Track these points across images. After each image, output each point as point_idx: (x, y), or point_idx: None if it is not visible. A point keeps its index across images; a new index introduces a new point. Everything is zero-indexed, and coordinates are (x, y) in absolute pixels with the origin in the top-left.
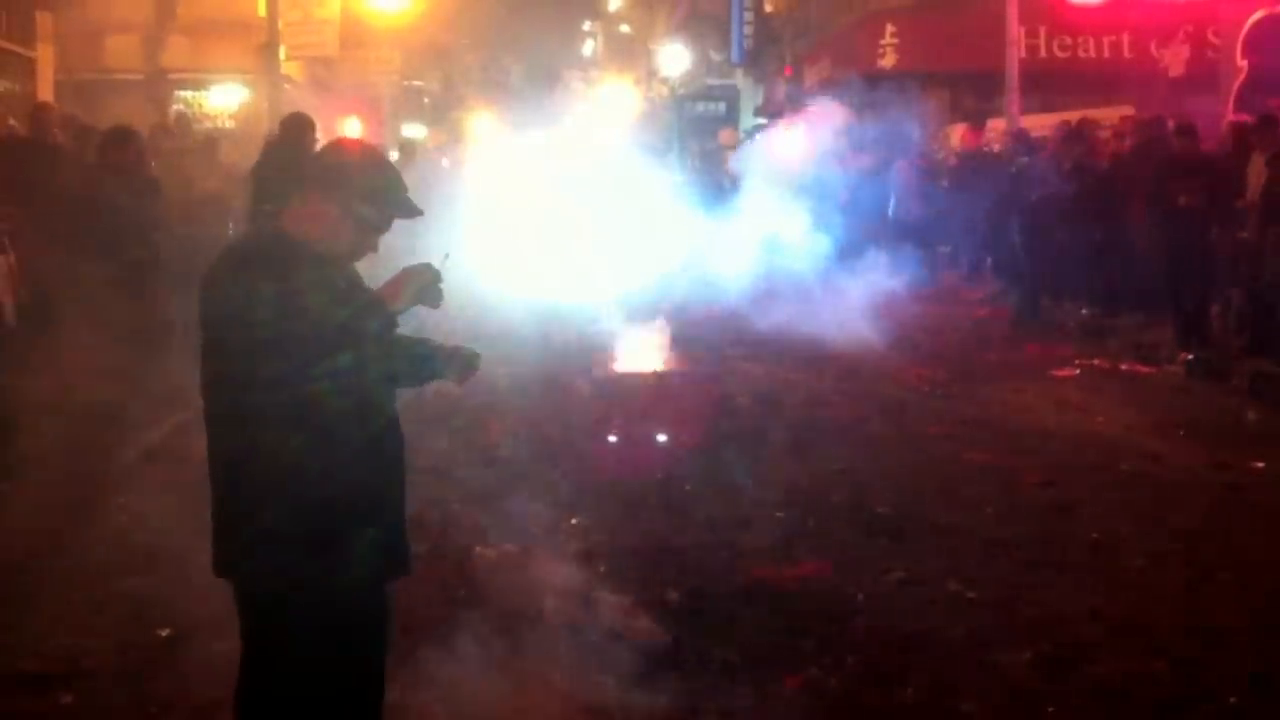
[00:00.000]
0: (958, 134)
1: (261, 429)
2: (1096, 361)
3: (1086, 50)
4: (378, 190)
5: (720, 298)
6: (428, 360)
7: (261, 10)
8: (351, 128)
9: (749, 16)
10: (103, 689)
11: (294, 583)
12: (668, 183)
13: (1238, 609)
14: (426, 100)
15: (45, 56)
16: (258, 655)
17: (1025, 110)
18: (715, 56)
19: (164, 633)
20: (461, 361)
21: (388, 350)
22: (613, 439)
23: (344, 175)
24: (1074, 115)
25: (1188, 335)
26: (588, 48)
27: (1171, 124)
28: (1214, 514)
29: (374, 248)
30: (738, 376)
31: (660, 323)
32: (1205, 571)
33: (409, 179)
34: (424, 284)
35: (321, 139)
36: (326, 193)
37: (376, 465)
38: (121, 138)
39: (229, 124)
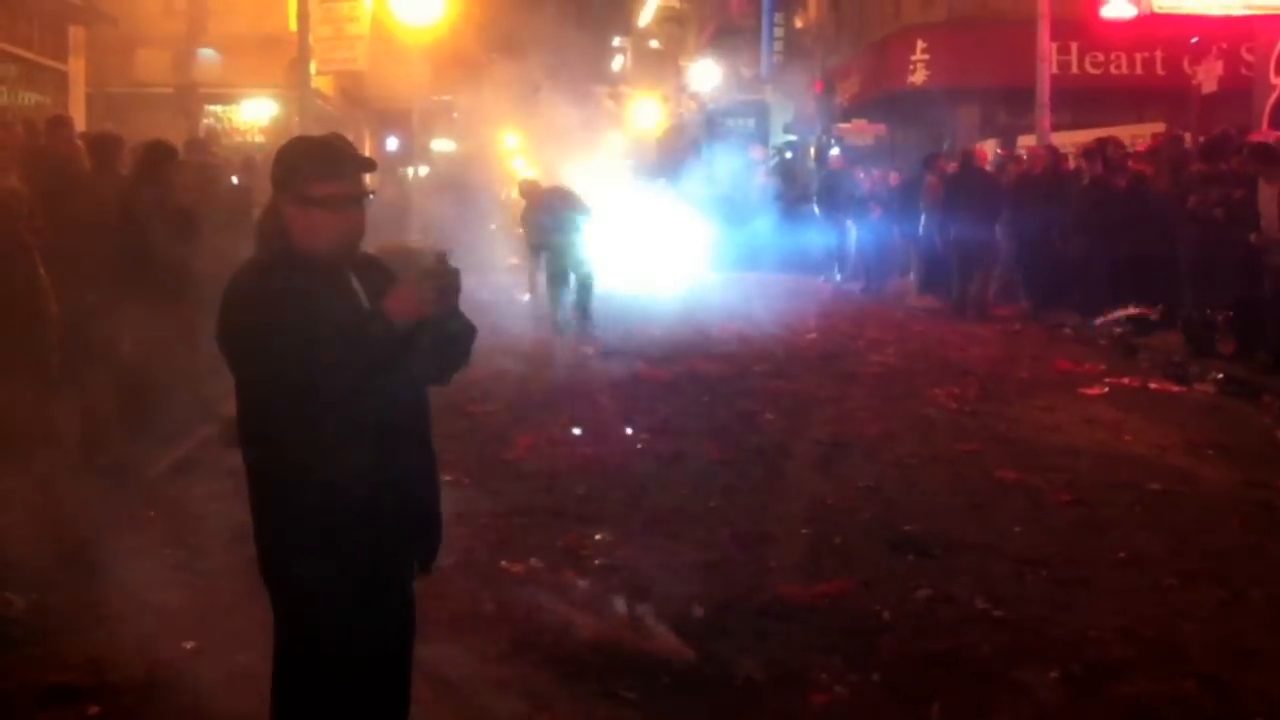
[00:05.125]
0: (988, 151)
1: (285, 442)
2: (1127, 380)
3: (1119, 66)
4: (302, 165)
5: (746, 314)
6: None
7: (292, 25)
8: (389, 144)
9: (779, 32)
10: (129, 701)
11: (320, 589)
12: (693, 198)
13: (1269, 629)
14: (456, 115)
15: (77, 70)
16: (289, 661)
17: (1056, 127)
18: (745, 72)
19: (189, 645)
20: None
21: (414, 360)
22: (639, 454)
23: (278, 171)
24: (1104, 132)
25: (1213, 350)
26: (617, 63)
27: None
28: (1245, 533)
29: (359, 225)
30: (764, 392)
31: (689, 338)
32: (1236, 591)
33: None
34: (423, 294)
35: None
36: (280, 194)
37: (394, 465)
38: (164, 155)
39: (259, 138)
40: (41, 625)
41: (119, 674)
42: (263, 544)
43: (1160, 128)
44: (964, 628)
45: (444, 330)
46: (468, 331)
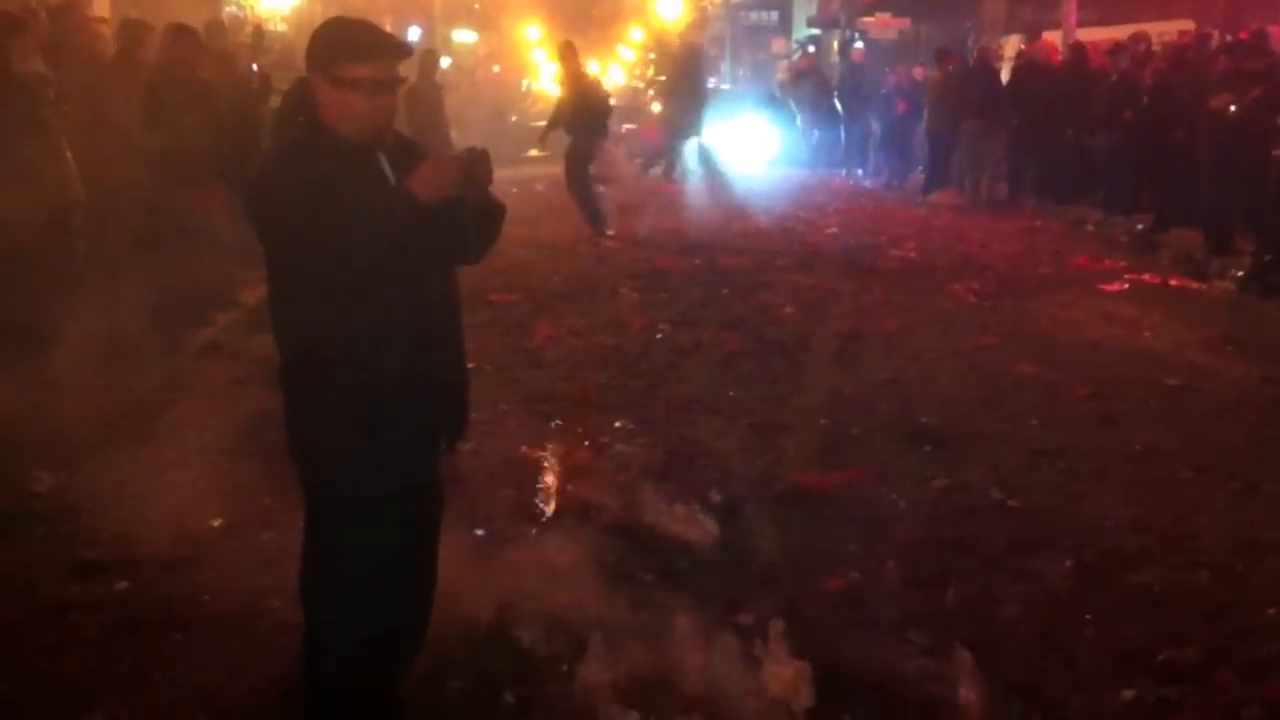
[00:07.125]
0: (1012, 46)
1: (317, 324)
2: (1146, 276)
3: None
4: (339, 45)
5: (767, 208)
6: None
7: None
8: (410, 34)
9: None
10: (156, 576)
11: (350, 470)
12: (717, 92)
13: None
14: (477, 5)
15: None
16: (319, 540)
17: (1083, 23)
18: None
19: (215, 523)
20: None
21: (434, 234)
22: (658, 344)
23: (312, 49)
24: (1131, 29)
25: (1229, 247)
26: None
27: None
28: (1261, 429)
29: (391, 109)
30: (784, 285)
31: (710, 231)
32: (1250, 484)
33: None
34: (451, 173)
35: None
36: (313, 71)
37: (424, 345)
38: (187, 40)
39: (281, 26)
40: (70, 503)
41: (146, 549)
42: (293, 425)
43: (1188, 24)
44: (978, 516)
45: (476, 211)
46: (497, 210)
